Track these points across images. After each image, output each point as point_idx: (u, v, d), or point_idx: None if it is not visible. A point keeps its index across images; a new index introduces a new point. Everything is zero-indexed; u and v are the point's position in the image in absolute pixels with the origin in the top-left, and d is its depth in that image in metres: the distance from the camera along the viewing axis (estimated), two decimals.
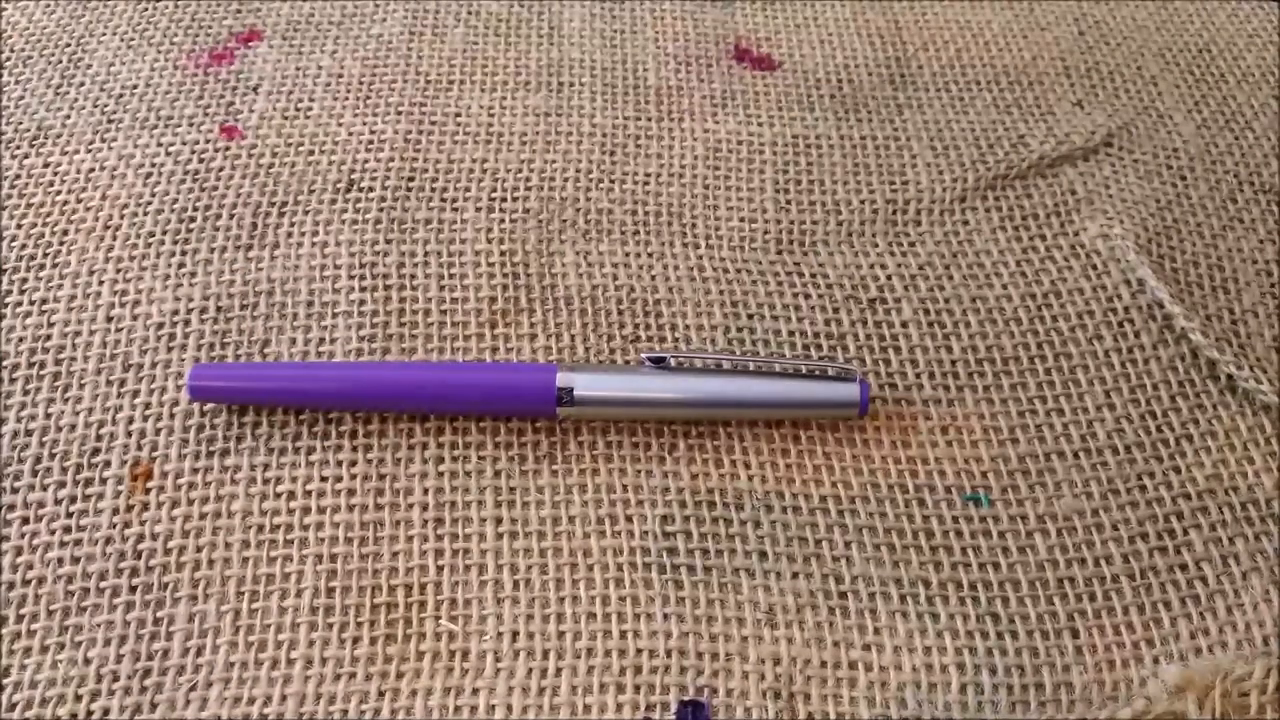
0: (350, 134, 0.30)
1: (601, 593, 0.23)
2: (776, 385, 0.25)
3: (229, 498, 0.24)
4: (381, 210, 0.28)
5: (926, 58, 0.33)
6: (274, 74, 0.31)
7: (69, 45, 0.32)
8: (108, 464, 0.24)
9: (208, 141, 0.30)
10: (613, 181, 0.29)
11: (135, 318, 0.26)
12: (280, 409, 0.25)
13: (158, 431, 0.24)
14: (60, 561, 0.23)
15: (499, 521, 0.23)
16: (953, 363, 0.26)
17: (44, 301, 0.26)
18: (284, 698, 0.21)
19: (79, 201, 0.28)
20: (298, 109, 0.31)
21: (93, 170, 0.29)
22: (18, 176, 0.29)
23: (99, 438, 0.24)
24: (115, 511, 0.23)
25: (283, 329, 0.26)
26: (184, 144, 0.30)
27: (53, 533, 0.23)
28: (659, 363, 0.25)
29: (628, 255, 0.28)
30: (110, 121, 0.30)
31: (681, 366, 0.25)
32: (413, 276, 0.27)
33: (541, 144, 0.30)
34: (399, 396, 0.24)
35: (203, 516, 0.23)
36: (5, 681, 0.21)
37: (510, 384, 0.24)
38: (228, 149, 0.29)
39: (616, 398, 0.24)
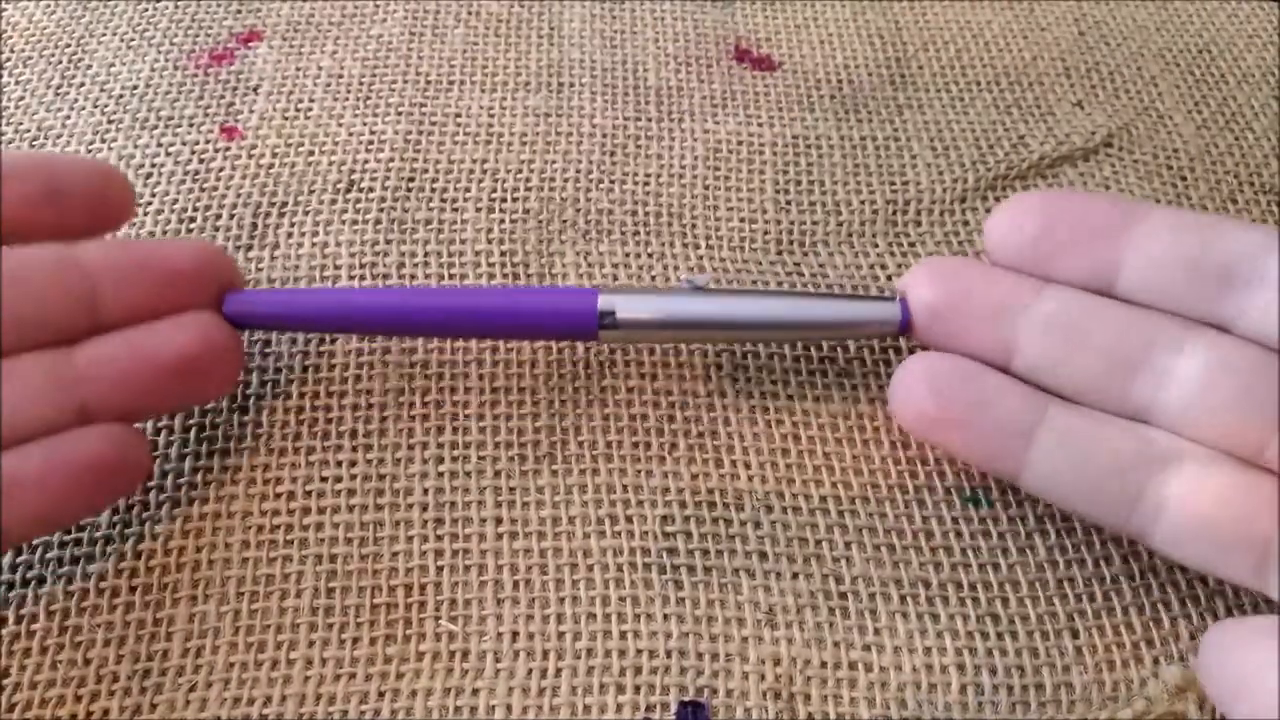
0: (350, 134, 0.30)
1: (601, 593, 0.23)
2: (817, 305, 0.25)
3: (229, 498, 0.24)
4: (381, 210, 0.28)
5: (926, 58, 0.33)
6: (274, 74, 0.31)
7: (69, 45, 0.32)
8: None
9: (208, 141, 0.30)
10: (613, 182, 0.29)
11: None
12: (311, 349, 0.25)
13: (158, 431, 0.24)
14: (60, 561, 0.23)
15: (499, 521, 0.23)
16: None
17: None
18: (284, 698, 0.21)
19: None
20: (298, 109, 0.31)
21: None
22: None
23: None
24: (115, 511, 0.23)
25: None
26: (184, 144, 0.30)
27: (53, 533, 0.23)
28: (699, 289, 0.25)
29: (628, 255, 0.28)
30: (110, 122, 0.30)
31: (724, 289, 0.25)
32: (413, 277, 0.27)
33: (541, 144, 0.30)
34: (442, 321, 0.24)
35: (203, 517, 0.23)
36: (5, 682, 0.21)
37: (553, 307, 0.24)
38: (228, 149, 0.29)
39: (658, 319, 0.24)
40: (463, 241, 0.28)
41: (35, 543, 0.23)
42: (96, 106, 0.30)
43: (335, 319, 0.24)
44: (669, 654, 0.22)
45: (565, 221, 0.28)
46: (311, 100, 0.31)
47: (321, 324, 0.24)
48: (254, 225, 0.28)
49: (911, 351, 0.26)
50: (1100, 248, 0.23)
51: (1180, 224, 0.23)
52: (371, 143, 0.30)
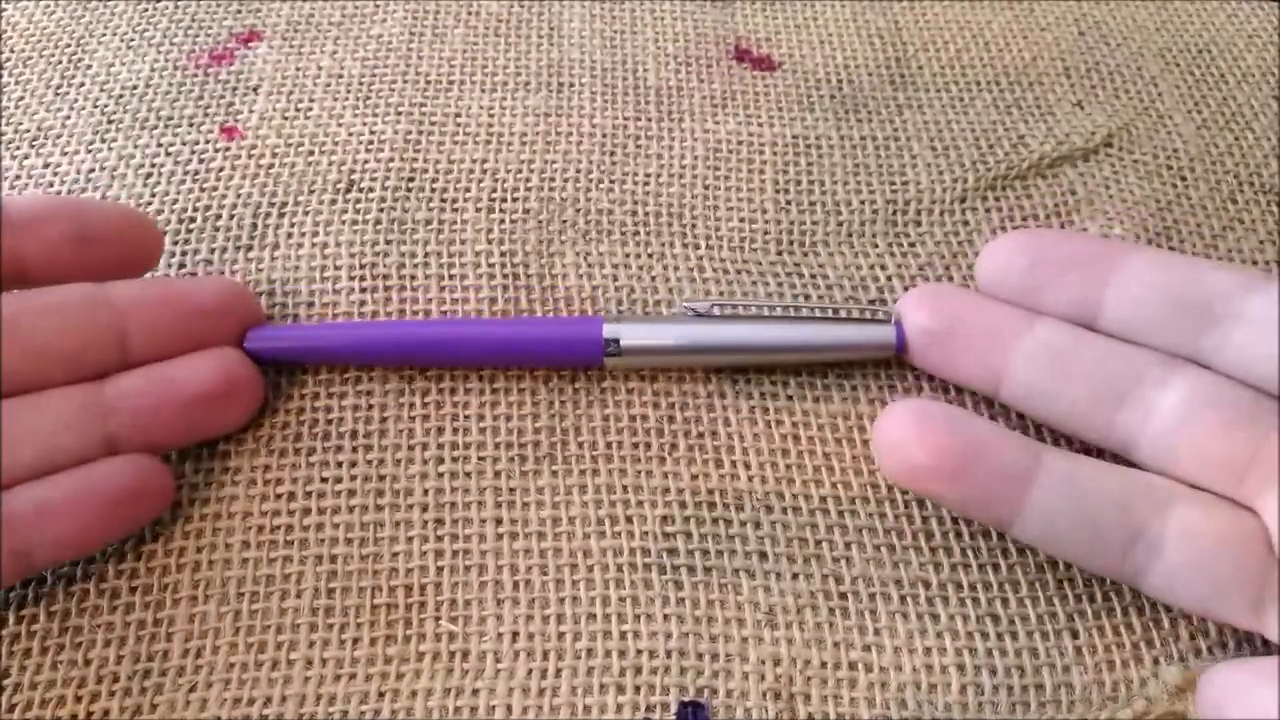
0: (350, 134, 0.30)
1: (601, 593, 0.23)
2: (818, 330, 0.25)
3: (229, 499, 0.24)
4: (381, 210, 0.28)
5: (926, 58, 0.33)
6: (274, 74, 0.31)
7: (69, 45, 0.32)
8: None
9: (208, 141, 0.30)
10: (613, 181, 0.29)
11: None
12: (317, 368, 0.25)
13: None
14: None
15: (499, 522, 0.23)
16: None
17: None
18: (284, 698, 0.21)
19: None
20: (298, 109, 0.31)
21: (93, 170, 0.29)
22: (18, 177, 0.29)
23: None
24: None
25: None
26: (184, 144, 0.30)
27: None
28: (699, 315, 0.26)
29: (628, 255, 0.28)
30: (110, 122, 0.30)
31: (725, 315, 0.26)
32: (413, 277, 0.27)
33: (541, 144, 0.30)
34: (451, 352, 0.25)
35: (203, 518, 0.23)
36: (5, 682, 0.21)
37: (559, 336, 0.25)
38: (228, 149, 0.29)
39: (661, 346, 0.25)
40: (463, 241, 0.28)
41: None
42: (96, 106, 0.30)
43: (351, 353, 0.25)
44: (669, 654, 0.22)
45: (565, 221, 0.28)
46: (311, 100, 0.31)
47: (338, 358, 0.25)
48: (254, 225, 0.28)
49: (902, 367, 0.26)
50: (1085, 284, 0.23)
51: (1160, 263, 0.23)
52: (371, 143, 0.30)
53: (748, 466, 0.24)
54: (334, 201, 0.28)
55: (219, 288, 0.25)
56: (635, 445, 0.25)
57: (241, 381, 0.24)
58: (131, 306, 0.23)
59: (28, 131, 0.30)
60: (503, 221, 0.28)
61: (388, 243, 0.28)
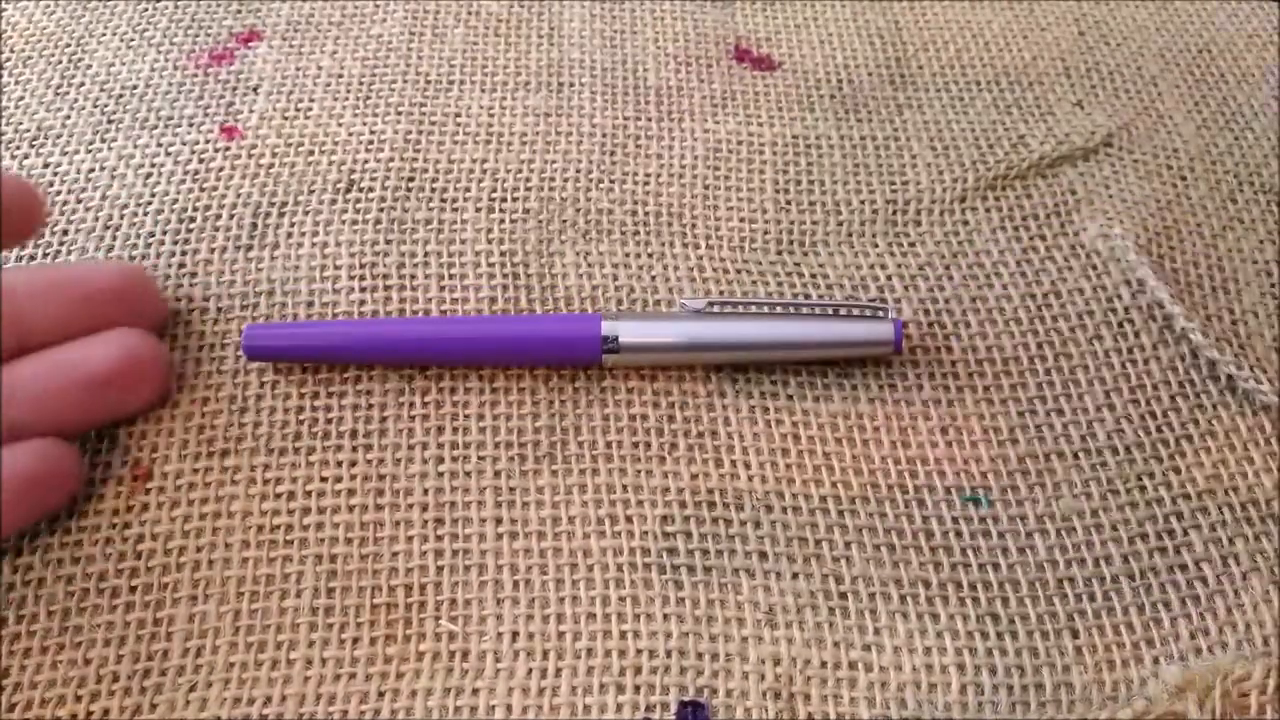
0: (350, 134, 0.30)
1: (601, 593, 0.23)
2: (815, 327, 0.25)
3: (229, 498, 0.24)
4: (381, 210, 0.28)
5: (926, 58, 0.33)
6: (274, 74, 0.31)
7: (69, 45, 0.32)
8: (108, 464, 0.24)
9: (208, 141, 0.30)
10: (613, 181, 0.29)
11: None
12: (310, 369, 0.25)
13: (157, 432, 0.24)
14: (60, 562, 0.23)
15: (499, 521, 0.23)
16: (953, 363, 0.26)
17: None
18: (284, 698, 0.21)
19: (79, 201, 0.28)
20: (298, 109, 0.31)
21: (93, 170, 0.29)
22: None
23: (99, 438, 0.24)
24: (115, 512, 0.23)
25: None
26: (184, 144, 0.30)
27: (53, 533, 0.23)
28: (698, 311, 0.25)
29: (628, 255, 0.28)
30: (110, 121, 0.30)
31: (722, 312, 0.25)
32: (413, 277, 0.27)
33: (541, 144, 0.30)
34: (451, 350, 0.25)
35: (203, 517, 0.23)
36: (5, 682, 0.21)
37: (557, 334, 0.25)
38: (228, 149, 0.29)
39: (660, 343, 0.25)
40: (463, 241, 0.28)
41: (35, 543, 0.23)
42: (96, 106, 0.30)
43: (349, 351, 0.25)
44: (669, 654, 0.22)
45: (565, 221, 0.28)
46: (311, 100, 0.31)
47: (337, 356, 0.25)
48: (254, 225, 0.28)
49: (902, 364, 0.26)
50: None
51: None
52: (371, 143, 0.30)
53: (748, 466, 0.24)
54: (334, 201, 0.28)
55: (117, 271, 0.24)
56: (635, 445, 0.25)
57: (146, 361, 0.23)
58: (28, 293, 0.23)
59: (28, 131, 0.30)
60: (503, 221, 0.28)
61: (388, 243, 0.28)
